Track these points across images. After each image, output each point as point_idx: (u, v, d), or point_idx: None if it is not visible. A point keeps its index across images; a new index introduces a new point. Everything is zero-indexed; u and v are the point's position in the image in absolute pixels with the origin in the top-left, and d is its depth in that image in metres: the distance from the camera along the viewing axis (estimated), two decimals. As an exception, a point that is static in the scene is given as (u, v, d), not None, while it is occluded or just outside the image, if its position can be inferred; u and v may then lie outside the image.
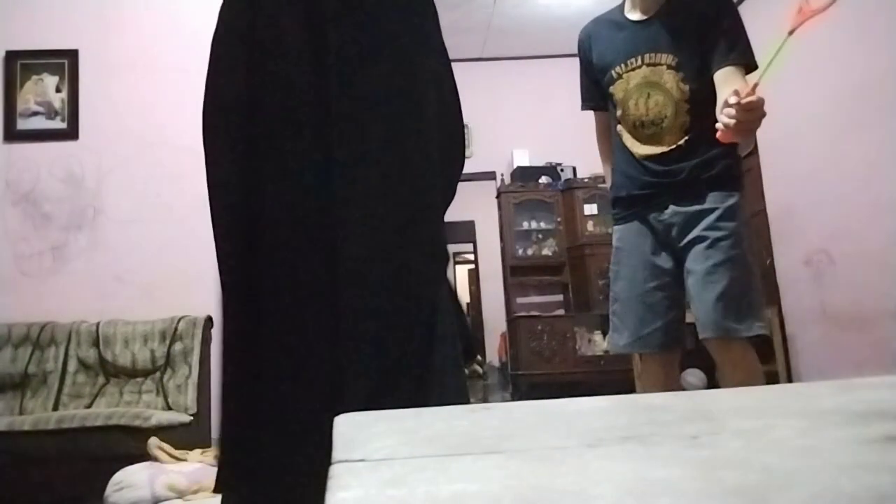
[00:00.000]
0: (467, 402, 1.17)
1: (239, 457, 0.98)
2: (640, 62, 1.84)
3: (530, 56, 5.55)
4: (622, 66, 1.86)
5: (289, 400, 0.96)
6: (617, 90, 1.88)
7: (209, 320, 3.20)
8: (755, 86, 1.58)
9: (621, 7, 1.95)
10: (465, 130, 1.21)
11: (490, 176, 5.67)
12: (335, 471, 0.34)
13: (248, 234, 1.00)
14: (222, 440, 1.02)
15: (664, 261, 1.85)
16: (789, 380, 4.34)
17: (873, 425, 0.41)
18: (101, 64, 3.51)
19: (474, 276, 9.93)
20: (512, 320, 5.28)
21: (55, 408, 2.95)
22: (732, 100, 1.56)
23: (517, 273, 5.46)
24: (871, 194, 3.57)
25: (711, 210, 1.75)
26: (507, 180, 5.61)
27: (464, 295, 10.25)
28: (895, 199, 3.42)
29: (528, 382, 4.95)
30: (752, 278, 1.74)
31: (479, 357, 7.88)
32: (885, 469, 0.32)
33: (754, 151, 4.75)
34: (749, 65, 1.76)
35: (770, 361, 4.48)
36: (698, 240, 1.75)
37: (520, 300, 5.27)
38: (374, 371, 0.96)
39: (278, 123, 1.02)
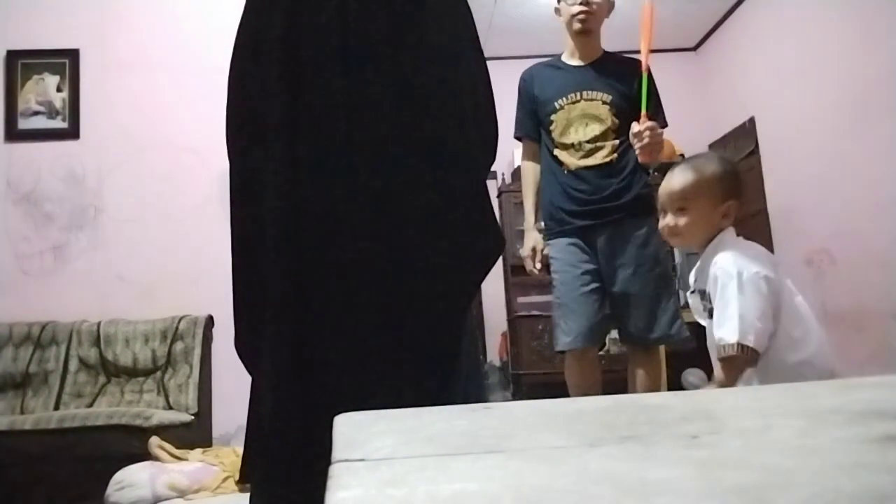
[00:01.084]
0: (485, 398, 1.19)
1: (267, 450, 0.99)
2: (578, 97, 2.29)
3: (531, 55, 5.54)
4: (563, 99, 2.30)
5: (309, 396, 0.96)
6: (559, 118, 2.30)
7: (210, 320, 3.20)
8: (643, 116, 2.07)
9: (558, 56, 2.44)
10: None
11: (491, 175, 5.67)
12: (335, 470, 0.34)
13: (289, 235, 0.99)
14: (248, 434, 1.02)
15: (592, 270, 2.24)
16: (790, 379, 4.33)
17: (873, 425, 0.41)
18: (102, 63, 3.51)
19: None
20: (513, 320, 5.27)
21: (56, 407, 2.96)
22: (634, 129, 2.08)
23: (518, 272, 5.44)
24: (872, 194, 3.57)
25: (633, 238, 2.19)
26: (508, 180, 5.60)
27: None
28: (896, 198, 3.42)
29: (528, 382, 4.94)
30: (670, 293, 2.20)
31: (479, 356, 7.88)
32: (885, 469, 0.32)
33: (755, 151, 4.74)
34: (664, 126, 2.25)
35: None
36: (624, 267, 2.18)
37: (521, 299, 5.26)
38: (402, 369, 0.96)
39: (317, 121, 1.01)
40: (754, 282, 1.45)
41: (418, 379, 0.96)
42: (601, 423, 0.45)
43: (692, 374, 4.78)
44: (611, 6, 2.41)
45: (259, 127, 1.03)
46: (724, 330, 1.45)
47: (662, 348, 2.41)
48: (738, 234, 1.65)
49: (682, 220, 1.58)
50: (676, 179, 1.59)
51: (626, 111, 2.20)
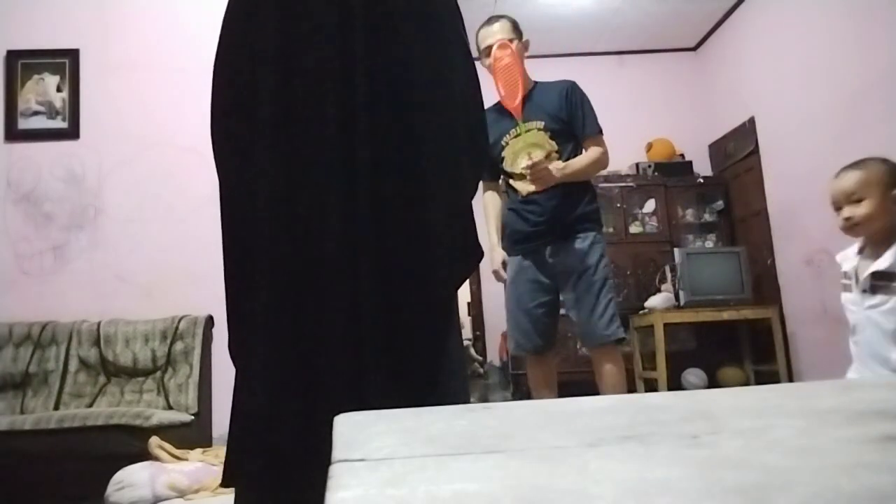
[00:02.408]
0: (468, 393, 1.20)
1: (249, 452, 0.98)
2: (518, 130, 2.51)
3: (530, 55, 5.55)
4: (507, 135, 2.54)
5: (302, 395, 0.95)
6: (508, 153, 2.55)
7: (210, 319, 3.20)
8: (530, 155, 2.38)
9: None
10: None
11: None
12: (335, 470, 0.34)
13: (275, 227, 0.99)
14: (231, 435, 1.01)
15: (543, 284, 2.53)
16: (790, 379, 4.33)
17: (873, 425, 0.41)
18: (102, 63, 3.51)
19: (475, 275, 9.88)
20: (513, 320, 5.27)
21: (56, 407, 2.96)
22: (522, 164, 2.39)
23: (518, 273, 5.43)
24: (872, 194, 3.57)
25: (576, 249, 2.45)
26: (508, 180, 5.61)
27: (464, 294, 10.23)
28: None
29: (528, 382, 4.94)
30: (608, 299, 2.44)
31: (479, 356, 7.88)
32: (885, 469, 0.32)
33: (755, 151, 4.74)
34: (599, 131, 2.54)
35: (770, 361, 4.48)
36: (569, 274, 2.46)
37: (520, 300, 5.26)
38: (394, 364, 0.96)
39: (309, 114, 1.01)
40: None
41: (406, 377, 0.97)
42: (601, 423, 0.45)
43: (692, 374, 4.78)
44: (524, 46, 2.62)
45: (249, 127, 1.02)
46: None
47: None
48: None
49: (860, 211, 1.86)
50: (848, 178, 1.90)
51: (560, 131, 2.46)
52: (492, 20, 2.61)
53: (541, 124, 2.50)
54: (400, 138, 1.01)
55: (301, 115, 1.01)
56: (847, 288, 1.94)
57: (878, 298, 1.82)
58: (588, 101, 2.56)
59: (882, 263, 1.83)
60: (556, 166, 2.40)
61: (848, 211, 1.89)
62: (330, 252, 0.98)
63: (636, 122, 5.15)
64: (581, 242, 2.47)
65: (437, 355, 1.01)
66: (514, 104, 2.41)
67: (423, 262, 1.00)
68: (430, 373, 0.99)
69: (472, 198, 1.13)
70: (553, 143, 2.51)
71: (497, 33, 2.54)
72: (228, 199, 1.05)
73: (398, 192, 1.00)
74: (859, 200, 1.86)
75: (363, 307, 0.96)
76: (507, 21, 2.60)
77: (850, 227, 1.90)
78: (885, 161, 1.89)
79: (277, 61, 1.02)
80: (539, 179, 2.36)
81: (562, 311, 2.62)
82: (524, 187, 2.54)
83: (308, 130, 1.00)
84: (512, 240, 2.62)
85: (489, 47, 2.53)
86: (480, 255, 1.10)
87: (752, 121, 4.78)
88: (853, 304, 1.89)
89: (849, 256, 1.97)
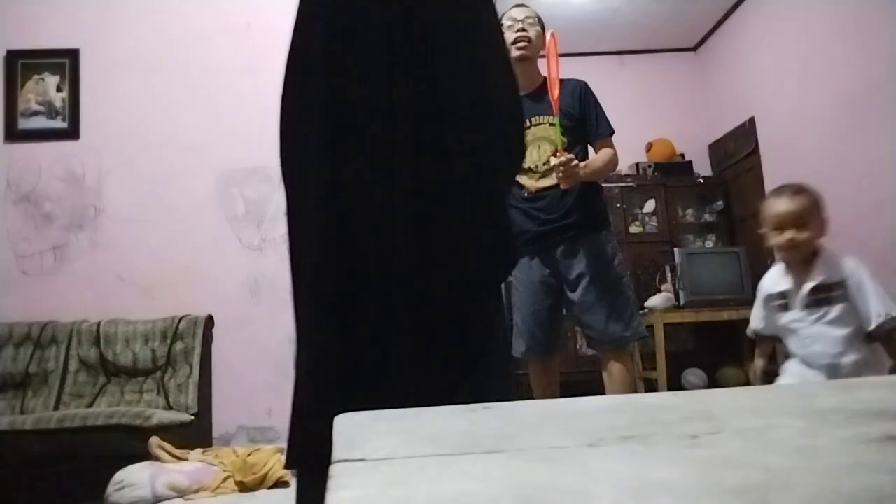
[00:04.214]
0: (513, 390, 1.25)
1: (304, 442, 1.01)
2: (528, 124, 2.45)
3: (531, 55, 5.55)
4: None
5: (345, 394, 0.99)
6: None
7: (210, 319, 3.20)
8: (556, 151, 2.30)
9: None
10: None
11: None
12: (335, 470, 0.34)
13: (335, 232, 1.04)
14: (294, 419, 1.05)
15: (550, 285, 2.46)
16: (790, 379, 4.33)
17: (873, 425, 0.41)
18: (102, 63, 3.51)
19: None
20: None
21: (56, 407, 2.95)
22: (553, 161, 2.30)
23: (518, 273, 5.43)
24: (871, 195, 3.57)
25: (589, 249, 2.39)
26: (508, 180, 5.61)
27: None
28: (896, 198, 3.41)
29: (528, 382, 4.94)
30: (626, 297, 2.41)
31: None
32: (885, 469, 0.32)
33: (755, 151, 4.74)
34: (611, 132, 2.49)
35: (770, 361, 4.48)
36: (582, 275, 2.38)
37: (520, 300, 5.27)
38: (433, 363, 0.99)
39: (355, 129, 1.06)
40: None
41: (444, 375, 1.00)
42: (601, 423, 0.45)
43: (692, 374, 4.78)
44: (541, 41, 2.58)
45: (304, 138, 1.08)
46: (885, 305, 1.84)
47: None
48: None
49: (804, 235, 1.94)
50: (795, 202, 1.98)
51: (572, 128, 2.40)
52: (523, 5, 2.59)
53: (551, 119, 2.43)
54: (440, 150, 1.05)
55: (348, 131, 1.05)
56: (782, 308, 2.01)
57: (822, 310, 1.92)
58: (599, 102, 2.53)
59: (818, 278, 1.94)
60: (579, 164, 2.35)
61: (791, 234, 1.97)
62: (373, 260, 1.03)
63: (636, 122, 5.15)
64: (594, 241, 2.40)
65: (477, 356, 1.04)
66: (556, 95, 2.38)
67: (461, 268, 1.05)
68: (468, 372, 1.03)
69: (506, 203, 1.17)
70: (564, 139, 2.42)
71: (527, 12, 2.54)
72: (289, 212, 1.13)
73: (437, 203, 1.04)
74: (803, 225, 1.95)
75: (405, 310, 1.00)
76: (533, 11, 2.58)
77: (790, 248, 1.98)
78: (812, 189, 2.03)
79: (326, 81, 1.07)
80: (570, 177, 2.29)
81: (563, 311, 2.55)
82: (532, 183, 2.46)
83: (354, 146, 1.05)
84: (519, 241, 2.49)
85: (515, 20, 2.51)
86: (515, 258, 1.15)
87: (752, 121, 4.78)
88: (799, 321, 1.97)
89: (777, 279, 2.05)
